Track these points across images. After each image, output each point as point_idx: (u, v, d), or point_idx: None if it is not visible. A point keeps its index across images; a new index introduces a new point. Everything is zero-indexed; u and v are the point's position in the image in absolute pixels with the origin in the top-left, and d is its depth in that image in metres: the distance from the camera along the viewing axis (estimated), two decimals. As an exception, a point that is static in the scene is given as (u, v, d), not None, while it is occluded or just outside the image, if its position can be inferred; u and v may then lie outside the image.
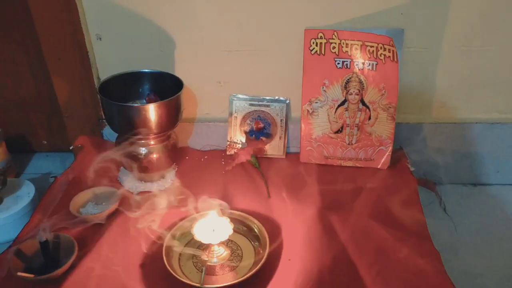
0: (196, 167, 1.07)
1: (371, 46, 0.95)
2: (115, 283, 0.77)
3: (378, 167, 1.04)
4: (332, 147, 1.05)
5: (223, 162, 1.08)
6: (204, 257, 0.81)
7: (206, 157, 1.11)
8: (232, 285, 0.74)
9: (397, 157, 1.05)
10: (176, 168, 1.06)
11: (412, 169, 1.01)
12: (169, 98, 0.91)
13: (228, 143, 1.11)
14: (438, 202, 1.05)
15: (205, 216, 0.84)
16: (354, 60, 0.97)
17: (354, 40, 0.96)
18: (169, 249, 0.82)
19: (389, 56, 0.94)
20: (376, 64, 0.96)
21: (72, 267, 0.79)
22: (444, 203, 1.04)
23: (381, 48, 0.94)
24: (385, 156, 1.03)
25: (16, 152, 1.18)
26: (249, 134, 1.10)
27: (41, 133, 1.26)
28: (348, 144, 1.04)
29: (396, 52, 0.93)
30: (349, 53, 0.97)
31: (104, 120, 1.15)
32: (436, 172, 1.11)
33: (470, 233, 0.97)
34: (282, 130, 1.09)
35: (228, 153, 1.11)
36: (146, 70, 1.02)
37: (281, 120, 1.09)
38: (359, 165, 1.05)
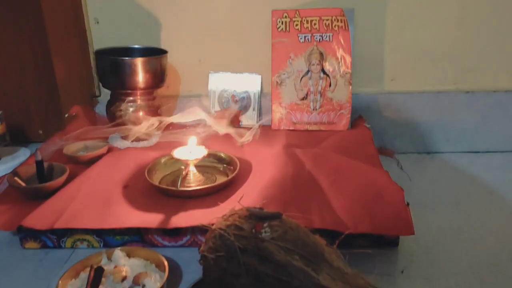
0: (178, 132, 1.19)
1: (327, 20, 1.13)
2: (100, 197, 0.86)
3: (340, 129, 1.17)
4: (299, 113, 1.19)
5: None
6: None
7: (187, 127, 1.23)
8: (207, 188, 0.85)
9: (356, 123, 1.19)
10: (161, 134, 1.17)
11: (368, 126, 1.14)
12: (155, 56, 1.06)
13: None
14: (395, 166, 1.16)
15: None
16: (314, 34, 1.15)
17: (313, 17, 1.14)
18: (151, 171, 0.93)
19: (342, 26, 1.12)
20: (332, 35, 1.14)
21: (63, 186, 0.89)
22: (401, 164, 1.16)
23: (335, 20, 1.13)
24: (345, 119, 1.17)
25: (13, 144, 1.27)
26: (226, 107, 1.24)
27: (38, 122, 1.37)
28: (313, 109, 1.18)
29: (347, 21, 1.11)
30: (309, 29, 1.15)
31: (97, 98, 1.28)
32: (392, 142, 1.24)
33: (422, 187, 1.07)
34: (256, 102, 1.24)
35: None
36: (137, 46, 1.18)
37: (254, 94, 1.24)
38: (323, 128, 1.18)
